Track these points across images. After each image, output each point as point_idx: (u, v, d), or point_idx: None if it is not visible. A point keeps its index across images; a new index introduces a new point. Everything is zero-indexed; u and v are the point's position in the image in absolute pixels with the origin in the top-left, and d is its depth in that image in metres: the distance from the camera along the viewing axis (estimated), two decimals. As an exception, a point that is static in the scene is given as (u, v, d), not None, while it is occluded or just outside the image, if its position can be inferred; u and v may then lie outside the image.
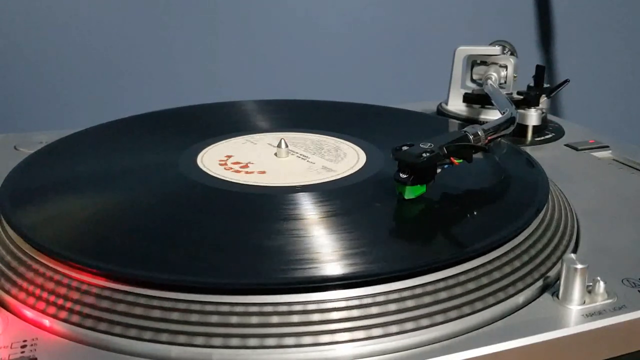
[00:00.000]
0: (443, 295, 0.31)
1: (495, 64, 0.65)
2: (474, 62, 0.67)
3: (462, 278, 0.32)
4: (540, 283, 0.34)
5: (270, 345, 0.28)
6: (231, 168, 0.45)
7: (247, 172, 0.44)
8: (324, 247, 0.33)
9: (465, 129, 0.42)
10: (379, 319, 0.29)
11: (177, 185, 0.42)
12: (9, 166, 0.45)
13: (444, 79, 0.69)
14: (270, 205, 0.39)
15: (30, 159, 0.47)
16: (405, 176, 0.38)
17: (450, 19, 0.97)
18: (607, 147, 0.57)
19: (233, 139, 0.52)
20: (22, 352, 0.28)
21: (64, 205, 0.39)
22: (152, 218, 0.37)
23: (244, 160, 0.46)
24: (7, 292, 0.32)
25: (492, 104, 0.60)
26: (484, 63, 0.66)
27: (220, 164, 0.45)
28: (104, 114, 0.61)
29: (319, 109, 0.63)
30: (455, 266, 0.32)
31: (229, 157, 0.47)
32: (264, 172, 0.44)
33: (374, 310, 0.30)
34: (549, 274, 0.34)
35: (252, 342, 0.28)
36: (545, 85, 0.63)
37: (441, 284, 0.31)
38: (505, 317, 0.31)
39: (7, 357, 0.28)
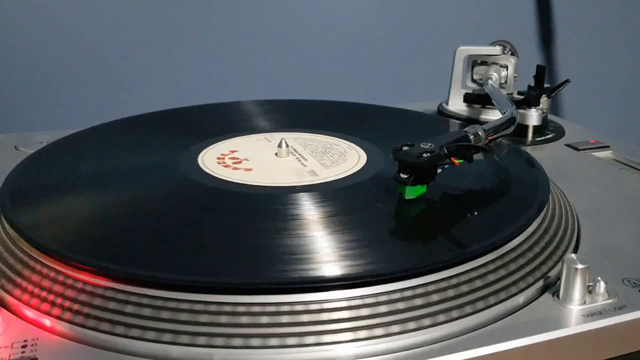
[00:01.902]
0: (443, 295, 0.31)
1: (496, 64, 0.65)
2: (474, 62, 0.67)
3: (463, 278, 0.32)
4: (540, 283, 0.34)
5: (272, 345, 0.28)
6: (230, 166, 0.45)
7: (247, 172, 0.44)
8: (325, 247, 0.33)
9: (465, 129, 0.42)
10: (380, 319, 0.29)
11: (178, 185, 0.42)
12: (9, 166, 0.45)
13: (444, 79, 0.69)
14: (270, 205, 0.39)
15: (30, 159, 0.47)
16: (405, 176, 0.38)
17: (451, 19, 0.97)
18: (608, 147, 0.57)
19: (234, 139, 0.52)
20: (23, 352, 0.28)
21: (64, 204, 0.39)
22: (153, 218, 0.37)
23: (244, 160, 0.46)
24: (8, 292, 0.32)
25: (492, 104, 0.60)
26: (484, 63, 0.66)
27: (220, 164, 0.45)
28: (104, 114, 0.61)
29: (319, 108, 0.63)
30: (456, 266, 0.32)
31: (230, 157, 0.47)
32: (264, 173, 0.44)
33: (375, 310, 0.30)
34: (549, 274, 0.34)
35: (254, 342, 0.28)
36: (546, 85, 0.63)
37: (441, 285, 0.31)
38: (506, 317, 0.31)
39: (7, 357, 0.28)
